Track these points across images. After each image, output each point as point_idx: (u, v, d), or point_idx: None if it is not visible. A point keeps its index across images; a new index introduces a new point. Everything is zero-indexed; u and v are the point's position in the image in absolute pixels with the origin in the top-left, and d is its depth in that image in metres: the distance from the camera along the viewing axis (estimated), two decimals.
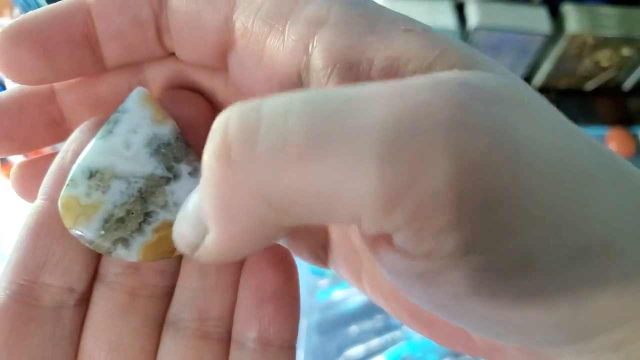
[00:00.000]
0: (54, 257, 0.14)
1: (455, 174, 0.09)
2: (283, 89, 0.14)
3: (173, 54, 0.16)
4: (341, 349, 0.55)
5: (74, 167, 0.14)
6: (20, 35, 0.14)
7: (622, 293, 0.11)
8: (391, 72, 0.12)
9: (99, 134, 0.14)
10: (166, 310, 0.15)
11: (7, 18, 0.63)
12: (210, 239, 0.11)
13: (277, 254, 0.15)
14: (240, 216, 0.10)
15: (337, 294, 0.57)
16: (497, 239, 0.10)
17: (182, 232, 0.12)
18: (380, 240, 0.11)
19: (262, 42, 0.14)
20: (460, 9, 0.65)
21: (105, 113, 0.16)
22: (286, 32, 0.13)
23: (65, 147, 0.15)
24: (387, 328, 0.57)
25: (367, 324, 0.56)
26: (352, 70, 0.12)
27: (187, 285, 0.15)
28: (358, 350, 0.55)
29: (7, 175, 0.59)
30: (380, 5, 0.13)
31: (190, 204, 0.12)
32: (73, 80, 0.16)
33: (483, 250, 0.10)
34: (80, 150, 0.14)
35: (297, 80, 0.14)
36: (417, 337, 0.56)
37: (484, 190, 0.10)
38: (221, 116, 0.11)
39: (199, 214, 0.11)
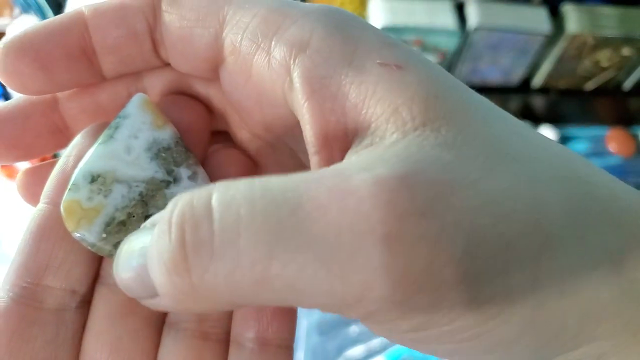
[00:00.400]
0: (56, 260, 0.14)
1: (393, 289, 0.10)
2: (271, 107, 0.15)
3: (169, 64, 0.16)
4: (341, 349, 0.55)
5: (76, 171, 0.14)
6: (21, 50, 0.15)
7: (572, 298, 0.11)
8: (362, 109, 0.12)
9: (100, 139, 0.14)
10: (166, 312, 0.15)
11: (7, 18, 0.64)
12: (161, 302, 0.12)
13: None
14: (199, 304, 0.11)
15: None
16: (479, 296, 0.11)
17: (129, 285, 0.12)
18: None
19: (249, 61, 0.14)
20: (460, 9, 0.65)
21: (106, 120, 0.16)
22: (271, 53, 0.13)
23: (67, 152, 0.15)
24: None
25: None
26: (326, 103, 0.13)
27: None
28: (358, 350, 0.55)
29: (9, 177, 0.60)
30: (363, 25, 0.14)
31: (133, 253, 0.12)
32: (74, 89, 0.17)
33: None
34: (82, 155, 0.15)
35: (283, 100, 0.14)
36: None
37: (417, 301, 0.10)
38: (169, 211, 0.11)
39: (146, 276, 0.12)
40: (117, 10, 0.15)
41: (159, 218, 0.12)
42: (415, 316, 0.11)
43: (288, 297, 0.11)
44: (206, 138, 0.17)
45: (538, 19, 0.65)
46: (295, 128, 0.15)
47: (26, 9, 0.62)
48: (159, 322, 0.15)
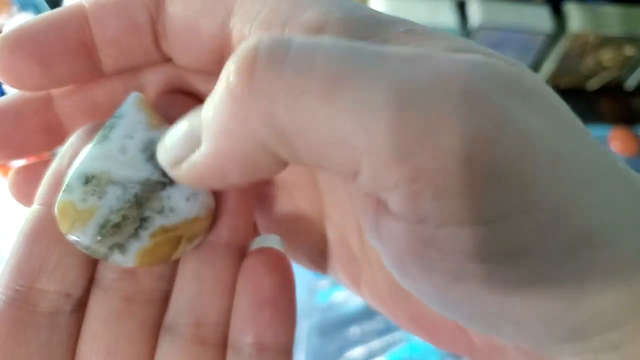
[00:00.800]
0: (50, 262, 0.14)
1: (466, 140, 0.10)
2: None
3: (170, 59, 0.16)
4: (342, 351, 0.54)
5: (70, 172, 0.14)
6: (17, 43, 0.14)
7: (619, 290, 0.11)
8: None
9: (95, 140, 0.14)
10: (163, 315, 0.15)
11: (5, 16, 0.63)
12: (200, 154, 0.11)
13: (274, 258, 0.15)
14: (242, 135, 0.11)
15: (338, 295, 0.57)
16: (496, 215, 0.10)
17: (170, 144, 0.12)
18: (378, 206, 0.11)
19: None
20: (462, 8, 0.64)
21: (101, 118, 0.16)
22: None
23: (61, 153, 0.15)
24: (388, 329, 0.56)
25: (368, 325, 0.56)
26: None
27: (183, 290, 0.15)
28: (359, 351, 0.55)
29: (4, 175, 0.59)
30: (380, 12, 0.13)
31: (184, 121, 0.12)
32: (70, 86, 0.16)
33: (481, 224, 0.10)
34: (76, 155, 0.14)
35: None
36: (418, 338, 0.56)
37: (490, 163, 0.10)
38: (250, 39, 0.11)
39: (195, 127, 0.12)
40: (118, 2, 0.15)
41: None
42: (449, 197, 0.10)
43: (333, 140, 0.10)
44: None
45: (540, 18, 0.65)
46: None
47: (24, 6, 0.62)
48: (156, 326, 0.15)
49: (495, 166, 0.10)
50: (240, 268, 0.15)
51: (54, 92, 0.16)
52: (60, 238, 0.14)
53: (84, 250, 0.14)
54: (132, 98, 0.15)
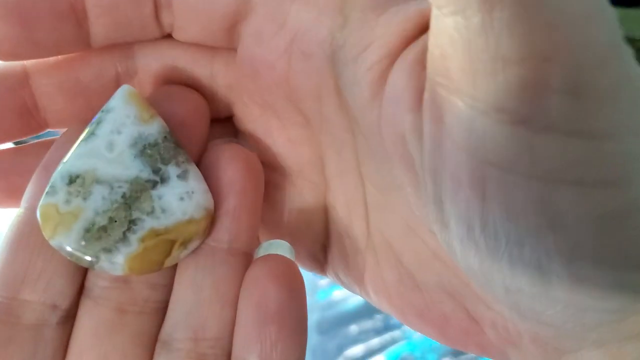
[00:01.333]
0: (34, 270, 0.13)
1: None
2: (303, 57, 0.13)
3: (169, 35, 0.15)
4: (341, 349, 0.54)
5: (55, 173, 0.13)
6: None
7: None
8: None
9: (82, 137, 0.13)
10: (158, 328, 0.14)
11: None
12: None
13: (281, 265, 0.14)
14: None
15: (337, 294, 0.57)
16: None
17: None
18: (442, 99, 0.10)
19: (286, 5, 0.13)
20: None
21: (86, 102, 0.15)
22: None
23: (49, 153, 0.14)
24: (387, 327, 0.56)
25: (367, 324, 0.56)
26: (400, 15, 0.12)
27: (181, 300, 0.14)
28: (358, 349, 0.54)
29: None
30: None
31: None
32: (51, 61, 0.15)
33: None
34: (64, 156, 0.13)
35: (327, 45, 0.13)
36: (416, 336, 0.56)
37: None
38: None
39: None
40: None
41: None
42: None
43: None
44: (204, 132, 0.15)
45: None
46: (322, 87, 0.14)
47: None
48: (151, 340, 0.14)
49: None
50: (243, 277, 0.14)
51: (31, 68, 0.15)
52: (46, 244, 0.13)
53: (68, 257, 0.13)
54: (121, 91, 0.14)
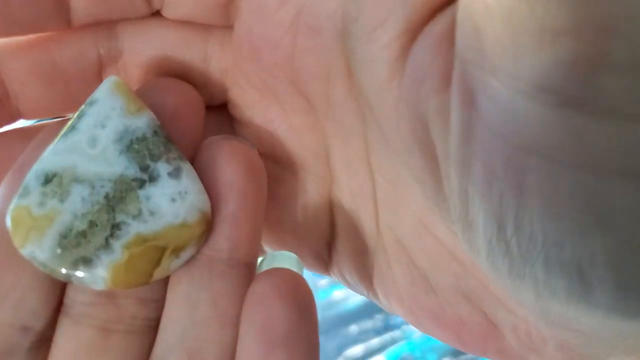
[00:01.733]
0: (2, 287, 0.11)
1: None
2: (310, 32, 0.12)
3: (157, 13, 0.13)
4: (341, 349, 0.54)
5: (29, 172, 0.12)
6: None
7: None
8: None
9: (61, 132, 0.12)
10: (148, 350, 0.12)
11: None
12: None
13: (290, 281, 0.12)
14: None
15: (337, 294, 0.58)
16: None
17: None
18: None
19: None
20: None
21: (63, 88, 0.13)
22: None
23: (25, 152, 0.12)
24: (387, 327, 0.57)
25: (367, 324, 0.57)
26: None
27: (174, 319, 0.12)
28: (358, 349, 0.54)
29: None
30: None
31: None
32: (22, 42, 0.13)
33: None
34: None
35: (338, 19, 0.12)
36: (416, 336, 0.57)
37: None
38: None
39: None
40: None
41: None
42: None
43: None
44: (198, 127, 0.14)
45: None
46: (331, 67, 0.12)
47: None
48: None
49: None
50: (245, 292, 0.12)
51: (0, 50, 0.13)
52: (17, 255, 0.11)
53: (42, 268, 0.11)
54: (108, 82, 0.13)
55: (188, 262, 0.12)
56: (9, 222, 0.11)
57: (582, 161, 0.08)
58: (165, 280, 0.12)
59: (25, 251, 0.11)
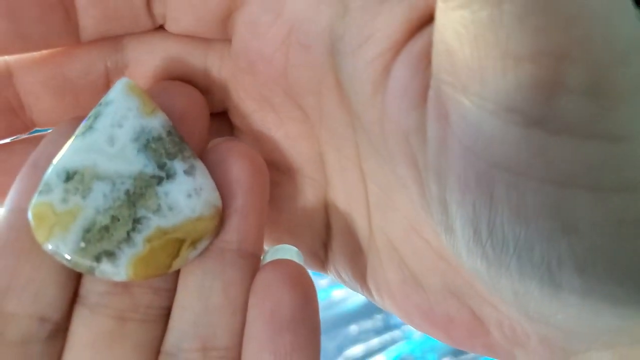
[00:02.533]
0: (20, 279, 0.12)
1: None
2: (302, 49, 0.13)
3: (160, 27, 0.14)
4: (341, 349, 0.54)
5: (49, 170, 0.12)
6: None
7: None
8: None
9: (77, 131, 0.12)
10: (162, 337, 0.13)
11: None
12: None
13: (293, 271, 0.13)
14: None
15: (337, 294, 0.57)
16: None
17: None
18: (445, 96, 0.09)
19: None
20: None
21: (73, 99, 0.14)
22: None
23: (38, 149, 0.13)
24: (387, 327, 0.57)
25: (367, 324, 0.56)
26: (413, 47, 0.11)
27: (187, 307, 0.13)
28: (358, 349, 0.54)
29: None
30: None
31: None
32: (35, 58, 0.14)
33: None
34: (56, 152, 0.12)
35: (326, 36, 0.12)
36: (416, 336, 0.57)
37: None
38: None
39: None
40: None
41: None
42: None
43: None
44: (205, 128, 0.15)
45: None
46: (322, 81, 0.13)
47: None
48: (154, 351, 0.13)
49: None
50: (251, 281, 0.13)
51: (15, 64, 0.14)
52: (34, 249, 0.12)
53: (66, 263, 0.12)
54: (120, 84, 0.13)
55: (201, 253, 0.13)
56: (30, 217, 0.12)
57: (546, 175, 0.09)
58: (177, 271, 0.13)
59: (49, 246, 0.11)
